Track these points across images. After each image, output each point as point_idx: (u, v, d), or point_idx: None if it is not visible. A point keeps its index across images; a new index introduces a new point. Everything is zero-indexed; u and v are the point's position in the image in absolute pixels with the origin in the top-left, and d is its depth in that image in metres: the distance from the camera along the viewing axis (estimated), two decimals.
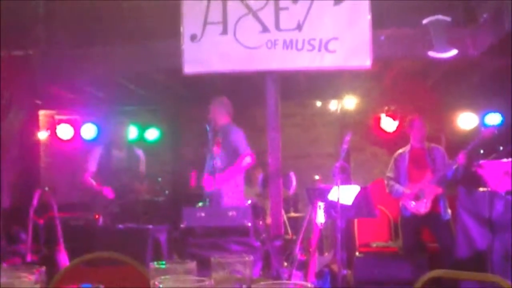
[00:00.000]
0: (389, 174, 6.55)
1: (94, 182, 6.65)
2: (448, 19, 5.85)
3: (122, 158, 6.81)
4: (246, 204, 6.21)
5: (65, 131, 9.01)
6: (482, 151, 6.32)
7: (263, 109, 6.48)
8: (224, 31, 6.16)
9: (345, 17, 6.04)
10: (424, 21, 5.88)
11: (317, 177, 8.07)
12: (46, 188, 5.58)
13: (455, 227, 6.05)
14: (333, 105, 9.50)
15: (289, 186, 7.29)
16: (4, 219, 6.43)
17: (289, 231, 7.43)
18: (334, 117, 9.55)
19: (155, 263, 1.58)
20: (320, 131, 9.74)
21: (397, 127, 8.39)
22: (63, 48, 6.66)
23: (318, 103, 9.68)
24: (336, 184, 5.20)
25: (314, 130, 9.77)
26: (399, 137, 7.64)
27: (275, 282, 1.48)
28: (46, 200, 5.49)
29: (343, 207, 5.24)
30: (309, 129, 9.78)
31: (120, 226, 6.03)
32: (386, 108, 8.62)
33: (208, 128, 5.91)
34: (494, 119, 8.28)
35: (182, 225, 5.40)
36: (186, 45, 6.21)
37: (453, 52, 5.88)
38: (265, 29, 6.12)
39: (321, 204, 5.44)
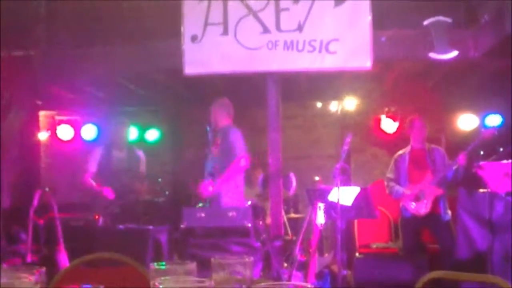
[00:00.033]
0: (389, 175, 6.55)
1: (94, 183, 6.65)
2: (449, 20, 5.85)
3: (123, 159, 6.80)
4: (246, 205, 6.21)
5: (65, 132, 9.01)
6: (482, 152, 6.33)
7: (264, 110, 6.48)
8: (225, 32, 6.17)
9: (346, 18, 6.04)
10: (425, 23, 5.88)
11: (317, 178, 8.07)
12: (46, 189, 5.58)
13: (455, 228, 6.05)
14: (334, 106, 9.50)
15: (289, 187, 7.29)
16: (4, 219, 6.43)
17: (289, 232, 7.43)
18: (335, 118, 9.55)
19: (155, 263, 1.58)
20: (320, 132, 9.73)
21: (398, 128, 8.38)
22: (63, 48, 6.67)
23: (319, 104, 9.68)
24: (336, 185, 5.20)
25: (315, 131, 9.77)
26: (399, 138, 7.64)
27: (275, 283, 1.48)
28: (46, 200, 5.50)
29: (343, 208, 5.24)
30: (310, 130, 9.78)
31: (120, 226, 6.03)
32: (386, 109, 8.62)
33: (208, 129, 5.91)
34: (494, 120, 8.28)
35: (182, 226, 5.40)
36: (187, 46, 6.21)
37: (454, 53, 5.89)
38: (265, 30, 6.12)
39: (321, 205, 5.44)
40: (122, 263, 2.28)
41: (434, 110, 8.30)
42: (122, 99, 8.69)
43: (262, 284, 1.41)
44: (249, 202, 6.43)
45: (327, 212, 5.41)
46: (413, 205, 6.23)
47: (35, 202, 5.35)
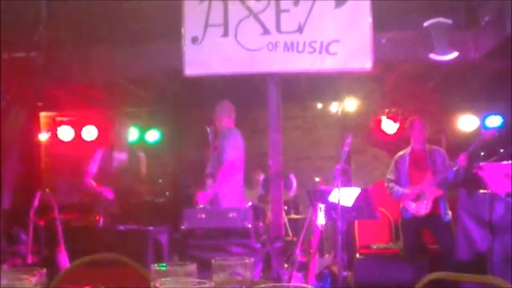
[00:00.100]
0: (390, 176, 6.55)
1: (94, 184, 6.66)
2: (449, 21, 5.85)
3: (123, 160, 6.81)
4: (247, 206, 6.22)
5: (66, 133, 9.02)
6: (482, 153, 6.33)
7: (264, 111, 6.49)
8: (225, 33, 6.17)
9: (346, 19, 6.04)
10: (425, 24, 5.88)
11: (317, 179, 8.07)
12: (47, 190, 5.58)
13: (456, 229, 6.05)
14: (334, 107, 9.50)
15: (290, 187, 7.30)
16: (4, 220, 6.44)
17: (290, 232, 7.43)
18: (335, 119, 9.55)
19: (156, 264, 1.58)
20: (321, 133, 9.74)
21: (398, 129, 8.39)
22: (64, 50, 6.67)
23: (319, 105, 9.68)
24: (337, 186, 5.20)
25: (315, 132, 9.77)
26: (399, 139, 7.64)
27: (275, 284, 1.48)
28: (46, 201, 5.50)
29: (344, 209, 5.24)
30: (310, 131, 9.78)
31: (121, 227, 6.03)
32: (386, 110, 8.63)
33: (208, 130, 5.91)
34: (494, 121, 8.29)
35: (182, 227, 5.40)
36: (187, 47, 6.21)
37: (454, 54, 5.89)
38: (266, 31, 6.12)
39: (321, 206, 5.44)
40: (123, 264, 2.28)
41: (435, 111, 8.31)
42: (122, 100, 8.69)
43: (262, 285, 1.42)
44: (250, 203, 6.44)
45: (327, 213, 5.41)
46: (413, 205, 6.24)
47: (36, 203, 5.35)
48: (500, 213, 5.34)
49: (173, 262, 1.66)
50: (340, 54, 6.03)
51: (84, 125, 9.00)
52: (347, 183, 5.84)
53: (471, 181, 5.95)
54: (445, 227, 6.23)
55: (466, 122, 8.63)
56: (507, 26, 5.28)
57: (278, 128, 6.31)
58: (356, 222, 7.48)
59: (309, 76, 7.08)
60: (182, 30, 6.21)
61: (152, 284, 1.43)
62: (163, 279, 1.45)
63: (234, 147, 6.01)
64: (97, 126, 8.96)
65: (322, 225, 5.57)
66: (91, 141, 8.86)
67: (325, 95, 8.88)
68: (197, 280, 1.49)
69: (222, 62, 6.23)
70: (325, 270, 6.10)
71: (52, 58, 6.59)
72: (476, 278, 2.27)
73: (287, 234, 7.19)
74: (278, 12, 6.11)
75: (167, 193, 8.06)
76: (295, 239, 6.87)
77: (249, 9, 6.14)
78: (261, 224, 6.10)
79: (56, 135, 8.94)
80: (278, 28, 6.11)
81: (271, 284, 1.45)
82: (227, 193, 5.94)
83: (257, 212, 6.22)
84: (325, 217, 5.43)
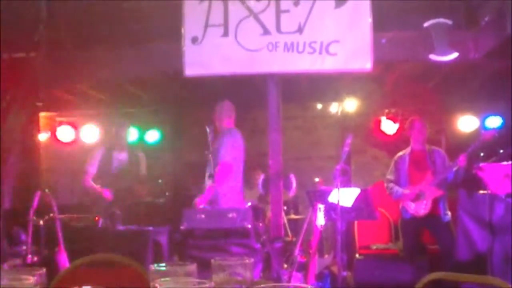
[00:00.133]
0: (389, 176, 6.55)
1: (94, 184, 6.66)
2: (449, 22, 5.85)
3: (123, 160, 6.81)
4: (246, 206, 6.22)
5: (65, 133, 9.01)
6: (482, 154, 6.33)
7: (264, 112, 6.48)
8: (225, 34, 6.17)
9: (346, 19, 6.04)
10: (425, 24, 5.88)
11: (317, 179, 8.07)
12: (47, 190, 5.57)
13: (456, 229, 6.05)
14: (334, 108, 9.50)
15: (289, 188, 7.29)
16: (4, 221, 6.43)
17: (289, 233, 7.42)
18: (335, 119, 9.55)
19: (156, 265, 1.58)
20: (321, 134, 9.74)
21: (398, 130, 8.39)
22: (64, 50, 6.67)
23: (319, 106, 9.68)
24: (337, 186, 5.20)
25: (315, 133, 9.77)
26: (399, 139, 7.64)
27: (275, 284, 1.48)
28: (46, 201, 5.49)
29: (343, 209, 5.24)
30: (310, 131, 9.78)
31: (121, 227, 6.03)
32: (386, 110, 8.62)
33: (208, 130, 5.91)
34: (494, 122, 8.29)
35: (182, 227, 5.40)
36: (187, 47, 6.21)
37: (454, 55, 5.89)
38: (266, 32, 6.12)
39: (321, 206, 5.44)
40: (122, 264, 2.28)
41: (434, 112, 8.31)
42: (122, 101, 8.69)
43: (262, 285, 1.42)
44: (249, 203, 6.43)
45: (327, 213, 5.41)
46: (412, 205, 6.24)
47: (35, 203, 5.34)
48: (500, 214, 5.35)
49: (173, 262, 1.66)
50: (340, 54, 6.03)
51: (84, 125, 8.99)
52: (347, 183, 5.84)
53: (471, 182, 5.95)
54: (445, 228, 6.23)
55: (466, 123, 8.63)
56: (507, 26, 5.28)
57: (278, 128, 6.31)
58: (355, 222, 7.48)
59: (309, 77, 7.08)
60: (182, 30, 6.21)
61: (152, 284, 1.43)
62: (162, 279, 1.45)
63: (234, 147, 6.01)
64: (97, 127, 8.95)
65: (321, 225, 5.57)
66: (91, 142, 8.85)
67: (325, 95, 8.88)
68: (197, 280, 1.49)
69: (222, 62, 6.23)
70: (325, 270, 6.10)
71: (52, 58, 6.59)
72: (476, 278, 2.26)
73: (286, 235, 7.18)
74: (278, 12, 6.11)
75: (167, 193, 8.05)
76: (294, 239, 6.86)
77: (249, 9, 6.14)
78: (260, 224, 6.10)
79: (56, 135, 8.94)
80: (278, 29, 6.11)
81: (271, 284, 1.45)
82: (227, 193, 5.95)
83: (257, 212, 6.21)
84: (324, 217, 5.43)
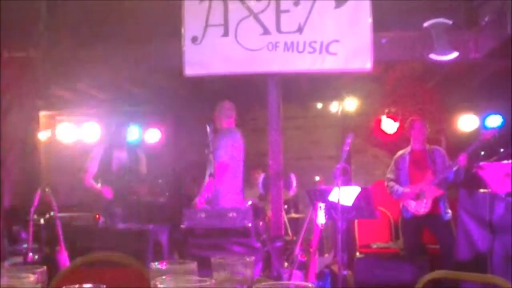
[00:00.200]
0: (389, 175, 6.56)
1: (94, 183, 6.66)
2: (449, 22, 5.85)
3: (123, 159, 6.81)
4: (247, 205, 6.21)
5: (66, 132, 9.01)
6: (482, 153, 6.33)
7: (264, 111, 6.49)
8: (225, 33, 6.17)
9: (346, 19, 6.04)
10: (426, 24, 5.88)
11: (317, 178, 8.07)
12: (47, 189, 5.57)
13: (456, 228, 6.05)
14: (334, 107, 9.50)
15: (290, 187, 7.28)
16: (5, 219, 6.44)
17: (290, 232, 7.43)
18: (335, 119, 9.55)
19: (156, 263, 1.58)
20: (321, 133, 9.74)
21: (398, 129, 8.38)
22: (64, 49, 6.67)
23: (319, 105, 9.68)
24: (337, 185, 5.20)
25: (315, 132, 9.77)
26: (400, 139, 7.64)
27: (275, 282, 1.48)
28: (46, 200, 5.49)
29: (344, 208, 5.24)
30: (310, 131, 9.78)
31: (121, 226, 6.03)
32: (387, 110, 8.61)
33: (208, 130, 5.91)
34: (494, 121, 8.28)
35: (182, 226, 5.40)
36: (187, 47, 6.21)
37: (454, 54, 5.89)
38: (266, 32, 6.12)
39: (321, 205, 5.44)
40: (123, 263, 2.28)
41: (435, 111, 8.30)
42: (122, 100, 8.69)
43: (263, 284, 1.42)
44: (249, 203, 6.43)
45: (327, 212, 5.41)
46: (412, 204, 6.24)
47: (36, 201, 5.35)
48: (500, 213, 5.34)
49: (173, 261, 1.66)
50: (340, 54, 6.03)
51: (84, 124, 8.99)
52: (347, 183, 5.83)
53: (471, 181, 5.95)
54: (445, 226, 6.23)
55: (466, 122, 8.62)
56: (507, 26, 5.28)
57: (278, 128, 6.31)
58: (356, 221, 7.48)
59: (309, 76, 7.08)
60: (182, 30, 6.21)
61: (152, 282, 1.43)
62: (163, 278, 1.45)
63: (234, 147, 6.01)
64: (97, 125, 8.95)
65: (322, 224, 5.56)
66: (91, 140, 8.86)
67: (325, 95, 8.89)
68: (198, 278, 1.49)
69: (222, 62, 6.23)
70: (325, 269, 6.10)
71: (53, 57, 6.59)
72: (476, 277, 2.27)
73: (287, 233, 7.19)
74: (278, 12, 6.11)
75: (167, 192, 8.05)
76: (295, 238, 6.87)
77: (249, 9, 6.14)
78: (261, 223, 6.10)
79: (56, 134, 8.94)
80: (278, 28, 6.11)
81: (271, 283, 1.45)
82: (227, 193, 5.94)
83: (257, 212, 6.21)
84: (325, 216, 5.43)
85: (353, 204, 5.34)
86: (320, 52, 6.05)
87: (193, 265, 1.59)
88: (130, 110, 9.11)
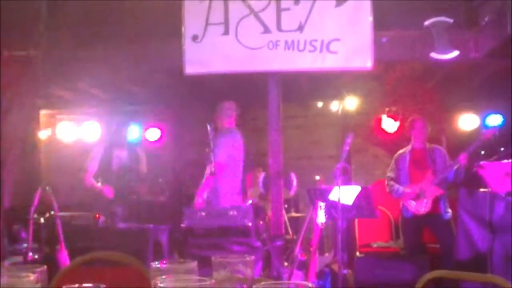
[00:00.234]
0: (390, 174, 6.55)
1: (95, 182, 6.66)
2: (450, 20, 5.85)
3: (123, 158, 6.81)
4: (247, 204, 6.21)
5: (66, 131, 9.01)
6: (483, 152, 6.33)
7: (264, 110, 6.49)
8: (226, 32, 6.17)
9: (347, 18, 6.04)
10: (426, 23, 5.88)
11: (317, 177, 8.06)
12: (47, 188, 5.56)
13: (456, 228, 6.05)
14: (335, 106, 9.49)
15: (290, 186, 7.29)
16: (5, 219, 6.44)
17: (290, 231, 7.43)
18: (336, 118, 9.54)
19: (156, 262, 1.58)
20: (321, 132, 9.73)
21: (398, 128, 8.37)
22: (64, 48, 6.67)
23: (320, 104, 9.67)
24: (337, 185, 5.20)
25: (316, 131, 9.76)
26: (400, 138, 7.63)
27: (276, 282, 1.48)
28: (47, 199, 5.49)
29: (344, 207, 5.24)
30: (311, 130, 9.78)
31: (121, 226, 6.03)
32: (387, 109, 8.61)
33: (209, 128, 5.91)
34: (495, 120, 8.28)
35: (182, 225, 5.40)
36: (188, 46, 6.21)
37: (455, 53, 5.89)
38: (266, 30, 6.12)
39: (322, 204, 5.44)
40: (123, 262, 2.28)
41: (435, 110, 8.29)
42: (123, 99, 8.69)
43: (263, 283, 1.41)
44: (250, 202, 6.43)
45: (327, 211, 5.41)
46: (413, 204, 6.24)
47: (36, 201, 5.35)
48: (500, 212, 5.34)
49: (173, 260, 1.65)
50: (340, 53, 6.03)
51: (85, 123, 8.99)
52: (347, 182, 5.84)
53: (472, 180, 5.95)
54: (445, 225, 6.23)
55: (467, 121, 8.62)
56: (507, 26, 5.28)
57: (279, 127, 6.32)
58: (356, 220, 7.48)
59: (309, 75, 7.08)
60: (182, 29, 6.21)
61: (152, 282, 1.43)
62: (163, 277, 1.45)
63: (234, 147, 6.00)
64: (97, 125, 8.95)
65: (322, 223, 5.57)
66: (92, 140, 8.85)
67: (326, 94, 8.88)
68: (198, 277, 1.49)
69: (222, 60, 6.23)
70: (325, 268, 6.10)
71: (53, 56, 6.59)
72: (476, 276, 2.27)
73: (287, 233, 7.19)
74: (279, 10, 6.11)
75: (167, 192, 8.05)
76: (295, 237, 6.87)
77: (249, 7, 6.14)
78: (261, 222, 6.10)
79: (57, 133, 8.94)
80: (278, 27, 6.11)
81: (271, 282, 1.45)
82: (226, 193, 5.94)
83: (258, 211, 6.21)
84: (325, 215, 5.43)
85: (353, 204, 5.34)
86: (321, 50, 6.05)
87: (193, 265, 1.59)
88: (130, 109, 9.11)
